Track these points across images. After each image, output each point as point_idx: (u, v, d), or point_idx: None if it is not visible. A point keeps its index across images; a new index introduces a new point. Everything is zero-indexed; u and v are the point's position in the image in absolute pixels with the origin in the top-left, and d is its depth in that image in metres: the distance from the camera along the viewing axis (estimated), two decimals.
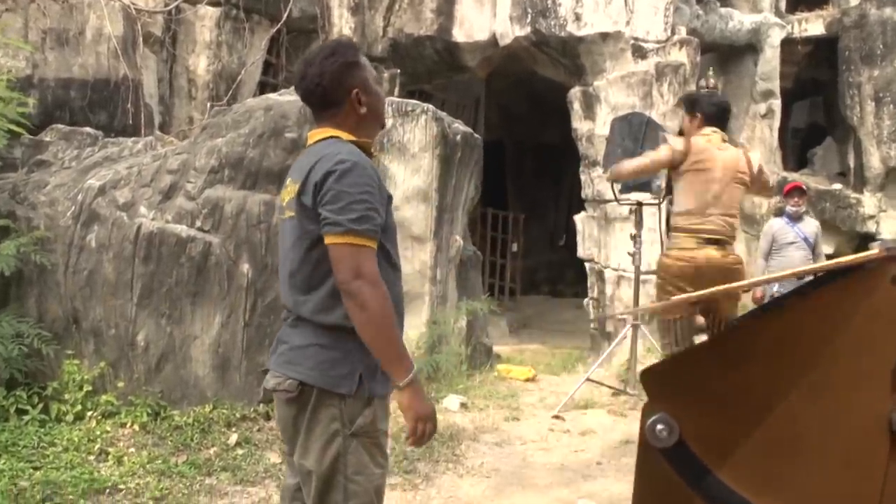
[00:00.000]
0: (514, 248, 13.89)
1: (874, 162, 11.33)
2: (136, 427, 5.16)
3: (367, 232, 2.26)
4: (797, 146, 13.49)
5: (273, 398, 2.36)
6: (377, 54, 10.42)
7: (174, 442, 5.09)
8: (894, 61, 11.24)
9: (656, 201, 7.13)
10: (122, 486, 4.45)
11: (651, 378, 1.58)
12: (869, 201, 11.25)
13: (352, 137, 2.45)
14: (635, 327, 7.24)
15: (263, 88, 9.20)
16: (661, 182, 6.89)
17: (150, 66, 8.76)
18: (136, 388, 5.36)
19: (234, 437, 5.23)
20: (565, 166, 16.69)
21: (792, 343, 1.46)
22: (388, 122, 2.80)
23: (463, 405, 6.54)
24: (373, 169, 2.37)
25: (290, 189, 2.42)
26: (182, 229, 5.55)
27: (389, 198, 2.49)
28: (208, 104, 8.90)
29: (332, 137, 2.44)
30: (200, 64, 9.37)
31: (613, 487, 5.03)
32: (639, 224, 7.26)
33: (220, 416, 5.39)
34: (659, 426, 1.50)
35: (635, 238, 7.24)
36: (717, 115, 5.35)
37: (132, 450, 4.92)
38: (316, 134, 2.49)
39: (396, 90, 10.25)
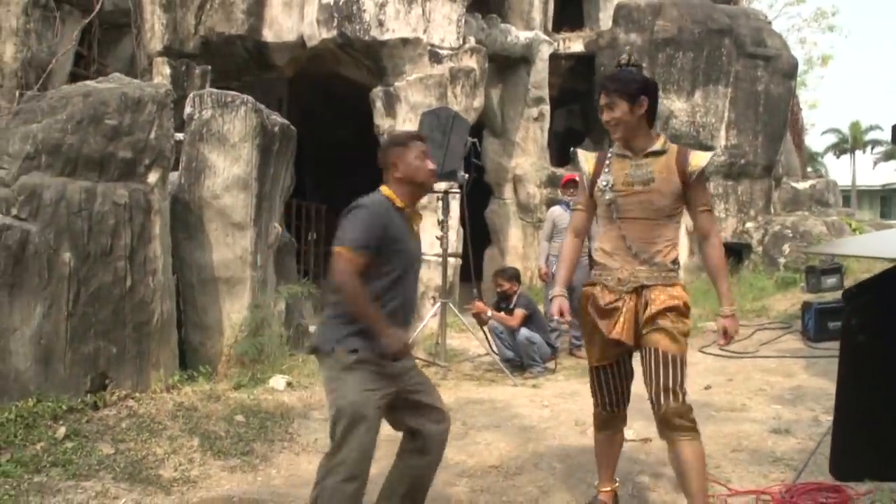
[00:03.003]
0: (314, 235, 13.29)
1: None
2: None
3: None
4: (558, 146, 13.85)
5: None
6: (189, 51, 9.51)
7: None
8: None
9: (459, 191, 6.94)
10: None
11: None
12: None
13: (389, 191, 3.17)
14: (444, 304, 7.02)
15: (75, 80, 7.98)
16: (466, 174, 6.72)
17: None
18: None
19: (62, 431, 4.40)
20: (358, 162, 16.28)
21: None
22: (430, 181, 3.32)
23: (289, 384, 5.98)
24: (375, 212, 3.07)
25: None
26: None
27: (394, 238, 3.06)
28: (17, 92, 7.63)
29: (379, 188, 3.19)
30: (7, 51, 8.02)
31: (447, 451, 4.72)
32: (446, 210, 7.03)
33: (46, 410, 4.49)
34: None
35: (443, 223, 7.01)
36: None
37: None
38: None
39: (207, 85, 9.41)
